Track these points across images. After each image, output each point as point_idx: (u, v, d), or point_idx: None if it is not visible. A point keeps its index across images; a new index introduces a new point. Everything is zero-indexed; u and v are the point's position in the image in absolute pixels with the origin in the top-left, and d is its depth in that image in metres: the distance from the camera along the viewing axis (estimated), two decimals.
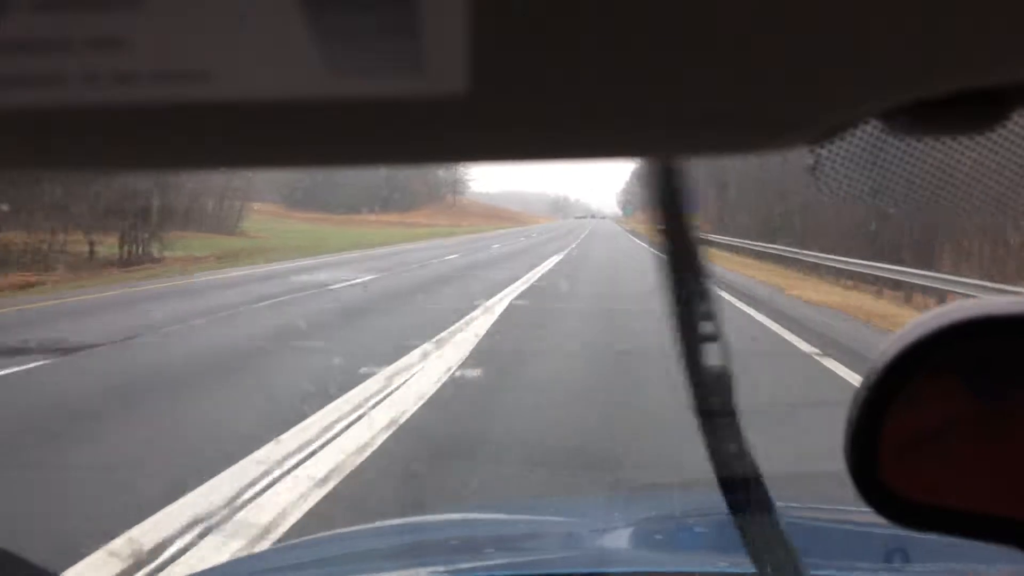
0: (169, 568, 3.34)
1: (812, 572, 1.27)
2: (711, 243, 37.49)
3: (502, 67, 0.27)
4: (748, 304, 13.04)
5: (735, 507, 0.85)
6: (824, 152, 0.44)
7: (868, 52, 0.30)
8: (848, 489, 0.60)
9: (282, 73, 0.27)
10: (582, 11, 0.25)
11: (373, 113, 0.31)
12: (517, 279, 16.85)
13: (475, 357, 7.93)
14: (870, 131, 0.38)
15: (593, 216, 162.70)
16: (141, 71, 0.26)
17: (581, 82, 0.30)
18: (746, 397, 0.79)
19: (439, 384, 6.67)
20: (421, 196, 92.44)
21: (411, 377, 6.88)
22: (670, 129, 0.35)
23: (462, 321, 10.32)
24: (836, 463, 0.62)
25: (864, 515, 0.63)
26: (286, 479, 4.39)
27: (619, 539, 1.78)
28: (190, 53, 0.26)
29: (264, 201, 78.79)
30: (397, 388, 6.46)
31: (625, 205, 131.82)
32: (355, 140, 0.34)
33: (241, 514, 3.90)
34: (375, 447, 4.96)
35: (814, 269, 20.92)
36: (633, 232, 61.93)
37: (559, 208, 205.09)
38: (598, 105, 0.31)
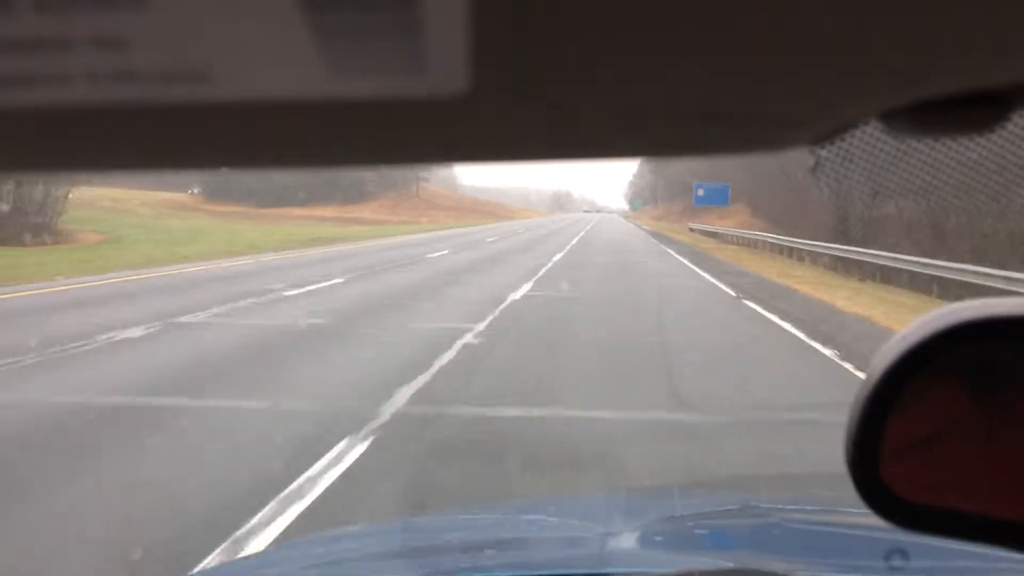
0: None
1: (812, 573, 1.27)
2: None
3: (503, 67, 0.28)
4: None
5: None
6: (824, 153, 0.44)
7: (868, 54, 0.28)
8: (849, 490, 0.60)
9: (284, 73, 0.27)
10: (583, 11, 0.25)
11: (375, 113, 0.31)
12: None
13: None
14: (870, 132, 0.38)
15: (599, 211, 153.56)
16: (143, 71, 0.26)
17: (582, 82, 0.29)
18: None
19: None
20: (375, 185, 77.09)
21: None
22: (671, 129, 0.35)
23: None
24: (838, 465, 0.61)
25: (864, 516, 0.63)
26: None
27: (619, 540, 1.78)
28: (192, 53, 0.26)
29: (181, 191, 65.98)
30: None
31: (633, 199, 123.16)
32: (357, 140, 0.34)
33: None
34: None
35: None
36: (657, 235, 43.24)
37: (560, 203, 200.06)
38: (599, 105, 0.31)
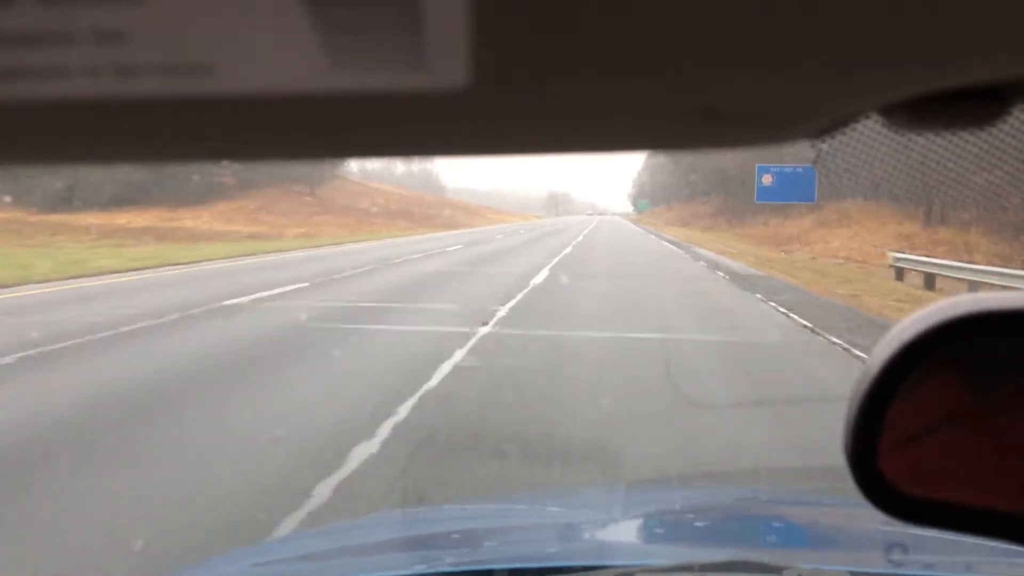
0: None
1: (811, 566, 1.28)
2: None
3: (503, 62, 0.28)
4: None
5: None
6: (825, 146, 0.44)
7: (867, 49, 0.29)
8: (848, 483, 0.60)
9: (286, 67, 0.27)
10: (583, 6, 0.25)
11: (376, 107, 0.31)
12: None
13: None
14: (870, 126, 0.38)
15: (600, 214, 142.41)
16: (144, 65, 0.26)
17: (582, 77, 0.30)
18: None
19: None
20: (239, 180, 51.19)
21: None
22: (672, 123, 0.35)
23: None
24: (836, 458, 0.62)
25: (864, 509, 0.63)
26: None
27: (619, 532, 1.79)
28: (194, 47, 0.26)
29: None
30: None
31: (637, 199, 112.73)
32: (357, 134, 0.34)
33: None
34: None
35: None
36: (726, 272, 16.46)
37: (556, 205, 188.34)
38: (599, 99, 0.32)
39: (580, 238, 36.61)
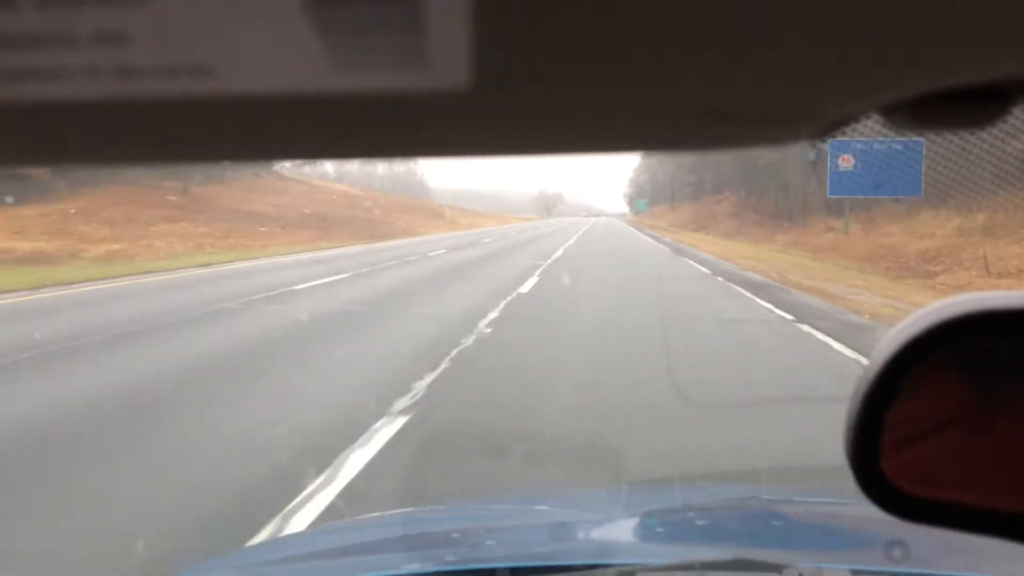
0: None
1: (812, 564, 1.28)
2: None
3: (505, 63, 0.28)
4: None
5: None
6: (825, 147, 0.44)
7: (868, 49, 0.29)
8: (849, 482, 0.60)
9: (287, 68, 0.27)
10: (584, 8, 0.25)
11: (377, 107, 0.31)
12: None
13: None
14: (871, 126, 0.38)
15: (596, 215, 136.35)
16: (146, 66, 0.26)
17: (583, 78, 0.30)
18: None
19: None
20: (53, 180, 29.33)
21: None
22: (672, 124, 0.35)
23: None
24: (837, 456, 0.62)
25: (865, 508, 0.63)
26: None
27: (620, 531, 1.79)
28: (195, 48, 0.26)
29: None
30: None
31: (635, 199, 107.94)
32: (359, 134, 0.34)
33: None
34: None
35: None
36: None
37: (548, 206, 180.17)
38: (600, 100, 0.32)
39: (534, 279, 15.54)
